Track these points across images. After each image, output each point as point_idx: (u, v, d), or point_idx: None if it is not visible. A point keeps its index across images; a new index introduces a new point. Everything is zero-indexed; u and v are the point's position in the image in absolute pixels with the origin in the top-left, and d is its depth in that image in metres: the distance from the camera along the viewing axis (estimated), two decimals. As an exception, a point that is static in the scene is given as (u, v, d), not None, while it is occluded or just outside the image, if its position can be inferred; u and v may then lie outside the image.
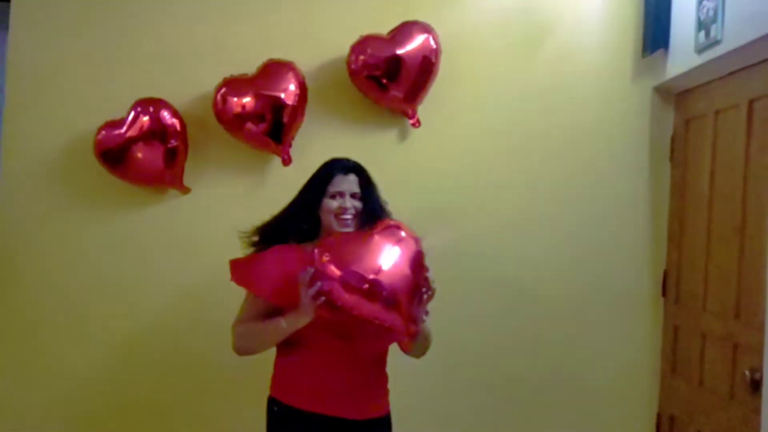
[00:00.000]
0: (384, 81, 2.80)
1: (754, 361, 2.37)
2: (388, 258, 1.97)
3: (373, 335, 2.04)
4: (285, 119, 2.77)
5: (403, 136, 2.98)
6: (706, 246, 2.75)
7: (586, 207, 3.03)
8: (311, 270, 1.94)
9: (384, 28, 2.85)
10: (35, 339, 2.86)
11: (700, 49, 2.62)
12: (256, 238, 2.22)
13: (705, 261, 2.75)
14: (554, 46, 3.02)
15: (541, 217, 3.02)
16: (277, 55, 2.83)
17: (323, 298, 1.93)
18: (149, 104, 2.77)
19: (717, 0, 2.49)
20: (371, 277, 1.92)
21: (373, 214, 2.16)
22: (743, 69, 2.55)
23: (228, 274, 2.18)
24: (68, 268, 2.88)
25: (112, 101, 2.80)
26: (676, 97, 3.03)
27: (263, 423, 2.20)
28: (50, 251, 2.87)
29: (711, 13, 2.54)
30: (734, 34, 2.41)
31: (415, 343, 2.09)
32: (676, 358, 2.97)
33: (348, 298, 1.92)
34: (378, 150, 2.93)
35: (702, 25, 2.60)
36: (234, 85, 2.76)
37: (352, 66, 2.81)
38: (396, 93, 2.83)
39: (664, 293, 3.06)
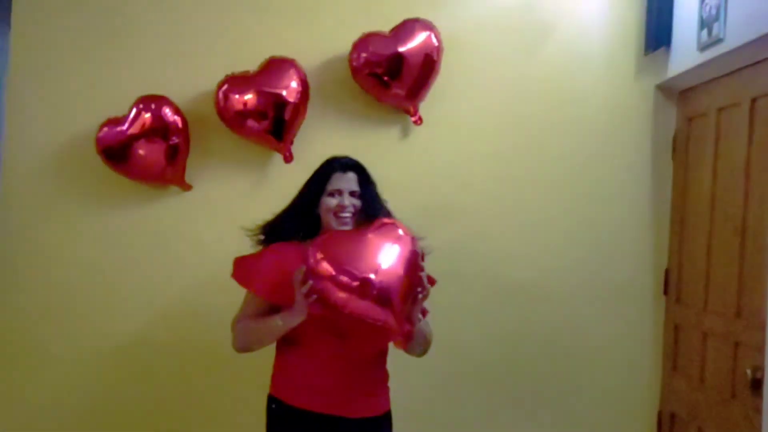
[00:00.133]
0: (386, 78, 2.80)
1: (756, 359, 2.37)
2: (381, 256, 1.95)
3: (366, 334, 2.03)
4: (287, 116, 2.77)
5: (404, 133, 2.97)
6: (707, 244, 2.75)
7: (588, 205, 3.03)
8: (304, 268, 1.94)
9: (386, 26, 2.84)
10: (36, 336, 2.87)
11: (703, 47, 2.62)
12: (262, 237, 2.23)
13: (707, 259, 2.75)
14: (556, 43, 3.02)
15: (543, 215, 3.02)
16: (279, 52, 2.83)
17: (315, 296, 1.93)
18: (151, 101, 2.77)
19: (720, -2, 2.49)
20: (362, 275, 1.91)
21: (372, 212, 2.16)
22: (746, 67, 2.54)
23: (229, 271, 2.19)
24: (70, 265, 2.88)
25: (113, 98, 2.80)
26: (679, 95, 3.03)
27: (264, 421, 2.21)
28: (52, 248, 2.88)
29: (713, 11, 2.53)
30: (737, 32, 2.40)
31: (412, 342, 2.09)
32: (677, 356, 2.97)
33: (339, 296, 1.91)
34: (380, 147, 2.93)
35: (704, 23, 2.60)
36: (236, 82, 2.76)
37: (354, 63, 2.81)
38: (398, 90, 2.83)
39: (665, 291, 3.06)
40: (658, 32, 2.90)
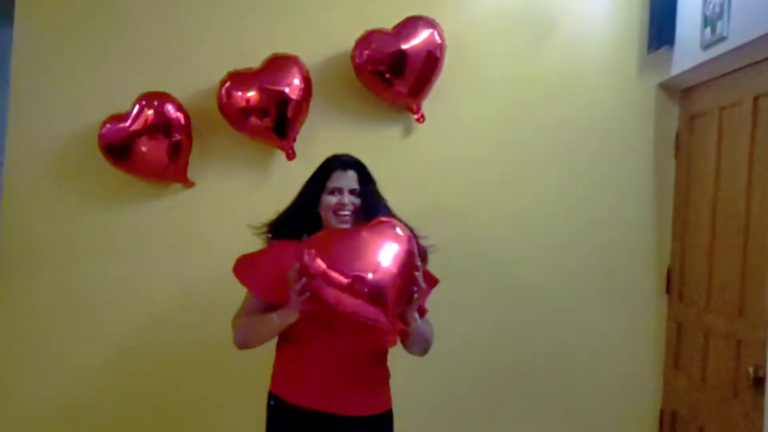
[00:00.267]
0: (388, 76, 2.80)
1: (758, 358, 2.37)
2: (374, 255, 1.94)
3: (359, 332, 2.02)
4: (289, 114, 2.77)
5: (407, 131, 2.97)
6: (710, 243, 2.75)
7: (591, 203, 3.03)
8: (297, 265, 1.94)
9: (389, 23, 2.84)
10: (39, 332, 2.87)
11: (706, 46, 2.62)
12: (270, 234, 2.24)
13: (709, 258, 2.75)
14: (559, 41, 3.02)
15: (546, 214, 3.01)
16: (281, 49, 2.83)
17: (308, 294, 1.93)
18: (153, 98, 2.77)
19: (723, -4, 2.49)
20: (354, 273, 1.90)
21: (371, 210, 2.15)
22: (749, 66, 2.54)
23: (231, 268, 2.19)
24: (71, 261, 2.88)
25: (116, 95, 2.80)
26: (681, 93, 3.03)
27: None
28: (54, 244, 2.88)
29: (717, 10, 2.53)
30: (740, 30, 2.40)
31: (408, 340, 2.09)
32: (679, 354, 2.97)
33: (331, 293, 1.90)
34: (382, 145, 2.93)
35: (708, 22, 2.60)
36: (238, 79, 2.76)
37: (357, 61, 2.81)
38: (401, 88, 2.83)
39: (668, 290, 3.05)
40: (661, 30, 2.90)
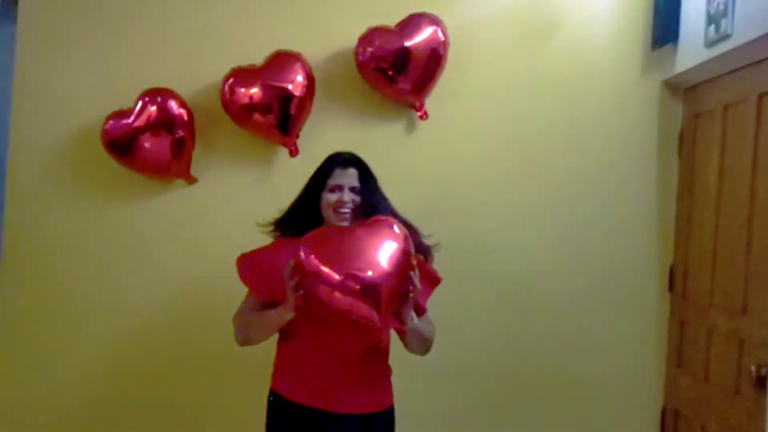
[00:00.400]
0: (392, 73, 2.80)
1: (760, 357, 2.37)
2: (368, 253, 1.93)
3: (353, 329, 2.01)
4: (292, 110, 2.77)
5: (410, 128, 2.97)
6: (713, 241, 2.75)
7: (594, 201, 3.02)
8: (293, 263, 1.94)
9: (392, 20, 2.84)
10: (42, 329, 2.87)
11: (710, 44, 2.61)
12: (277, 232, 2.25)
13: (712, 256, 2.75)
14: (563, 39, 3.01)
15: (549, 211, 3.01)
16: (285, 46, 2.82)
17: (302, 291, 1.93)
18: (157, 94, 2.77)
19: (728, -6, 2.48)
20: (347, 271, 1.89)
21: (372, 208, 2.14)
22: (753, 64, 2.53)
23: (234, 264, 2.20)
24: (74, 257, 2.89)
25: (119, 91, 2.80)
26: (685, 91, 3.02)
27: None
28: (57, 240, 2.88)
29: (721, 7, 2.52)
30: (745, 28, 2.40)
31: (408, 339, 2.09)
32: (681, 353, 2.97)
33: (324, 291, 1.90)
34: (385, 142, 2.93)
35: (712, 19, 2.59)
36: (241, 75, 2.76)
37: (360, 58, 2.81)
38: (404, 85, 2.83)
39: (670, 288, 3.05)
40: (665, 28, 2.90)
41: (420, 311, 2.12)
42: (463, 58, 2.93)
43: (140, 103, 2.76)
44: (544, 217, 3.01)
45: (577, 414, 3.04)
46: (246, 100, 2.74)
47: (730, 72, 2.68)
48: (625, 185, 3.03)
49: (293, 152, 2.85)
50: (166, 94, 2.78)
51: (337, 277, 1.89)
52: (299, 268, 1.92)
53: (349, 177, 2.17)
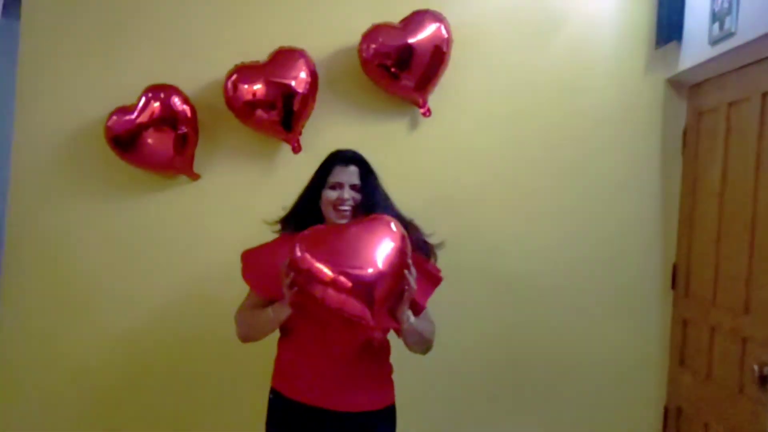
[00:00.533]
0: (395, 70, 2.79)
1: (763, 355, 2.37)
2: (363, 251, 1.93)
3: (346, 327, 2.02)
4: (295, 107, 2.77)
5: (413, 125, 2.97)
6: (716, 239, 2.74)
7: (597, 199, 3.02)
8: (288, 260, 1.94)
9: (396, 17, 2.84)
10: (45, 324, 2.88)
11: (714, 41, 2.61)
12: (282, 229, 2.26)
13: (715, 255, 2.74)
14: (566, 37, 3.01)
15: (551, 209, 3.01)
16: (288, 42, 2.83)
17: (296, 288, 1.93)
18: (160, 90, 2.78)
19: (732, -9, 2.48)
20: (340, 268, 1.90)
21: (373, 206, 2.14)
22: (757, 61, 2.52)
23: (237, 261, 2.21)
24: (78, 253, 2.89)
25: (123, 87, 2.81)
26: (689, 89, 3.01)
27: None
28: (60, 236, 2.89)
29: (725, 5, 2.52)
30: (749, 26, 2.39)
31: (405, 338, 2.09)
32: (684, 351, 2.96)
33: (317, 288, 1.90)
34: (388, 139, 2.93)
35: (716, 17, 2.58)
36: (245, 72, 2.76)
37: (364, 54, 2.80)
38: (407, 82, 2.83)
39: (673, 286, 3.05)
40: (669, 26, 2.89)
41: (417, 310, 2.11)
42: (467, 55, 2.93)
43: (143, 99, 2.76)
44: (547, 215, 3.01)
45: (580, 412, 3.03)
46: (249, 96, 2.74)
47: (734, 70, 2.67)
48: (628, 183, 3.03)
49: (296, 149, 2.85)
50: (170, 90, 2.79)
51: (330, 274, 1.89)
52: (294, 265, 1.92)
53: (350, 174, 2.17)
